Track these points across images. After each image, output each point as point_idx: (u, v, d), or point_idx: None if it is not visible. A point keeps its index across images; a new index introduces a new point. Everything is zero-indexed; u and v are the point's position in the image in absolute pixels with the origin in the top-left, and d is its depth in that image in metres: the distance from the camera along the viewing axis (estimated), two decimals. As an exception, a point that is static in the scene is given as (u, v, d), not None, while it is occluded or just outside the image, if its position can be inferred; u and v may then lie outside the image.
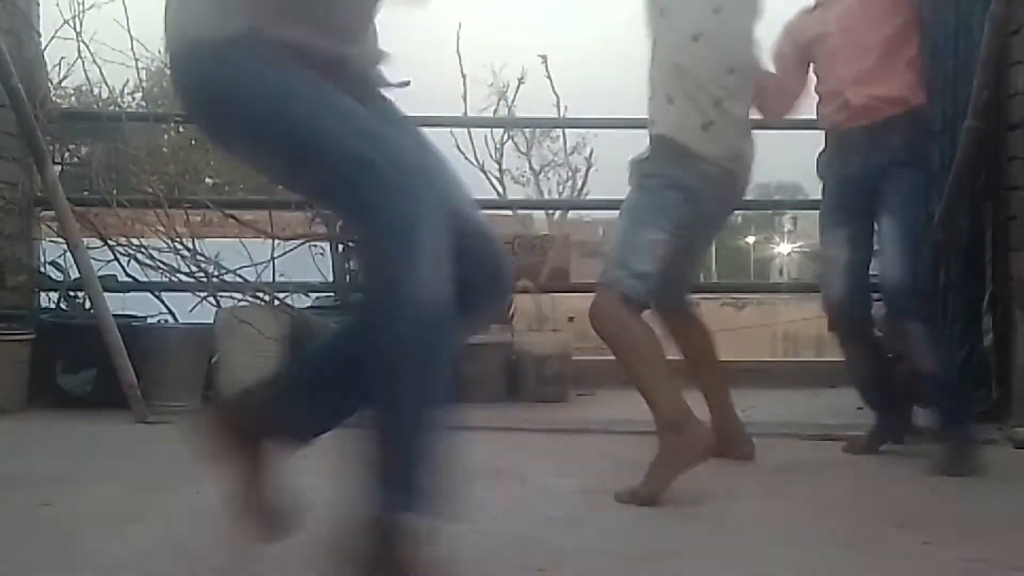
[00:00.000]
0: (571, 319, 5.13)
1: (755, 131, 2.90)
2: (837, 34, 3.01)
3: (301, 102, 1.51)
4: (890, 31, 2.96)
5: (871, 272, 3.08)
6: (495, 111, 6.85)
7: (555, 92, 4.90)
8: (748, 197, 3.38)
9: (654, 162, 2.72)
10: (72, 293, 4.08)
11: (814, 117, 3.24)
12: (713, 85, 2.70)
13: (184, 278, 4.10)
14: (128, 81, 5.22)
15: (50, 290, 4.21)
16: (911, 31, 3.00)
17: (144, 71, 5.23)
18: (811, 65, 3.12)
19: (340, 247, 4.33)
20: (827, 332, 3.18)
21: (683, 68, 2.70)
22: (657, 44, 2.77)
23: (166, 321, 4.12)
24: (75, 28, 4.21)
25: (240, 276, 4.06)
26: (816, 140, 3.31)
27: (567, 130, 5.64)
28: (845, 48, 2.98)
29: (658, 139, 2.73)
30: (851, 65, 2.97)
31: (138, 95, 7.55)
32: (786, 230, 28.90)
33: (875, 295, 3.08)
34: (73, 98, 5.59)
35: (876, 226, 2.97)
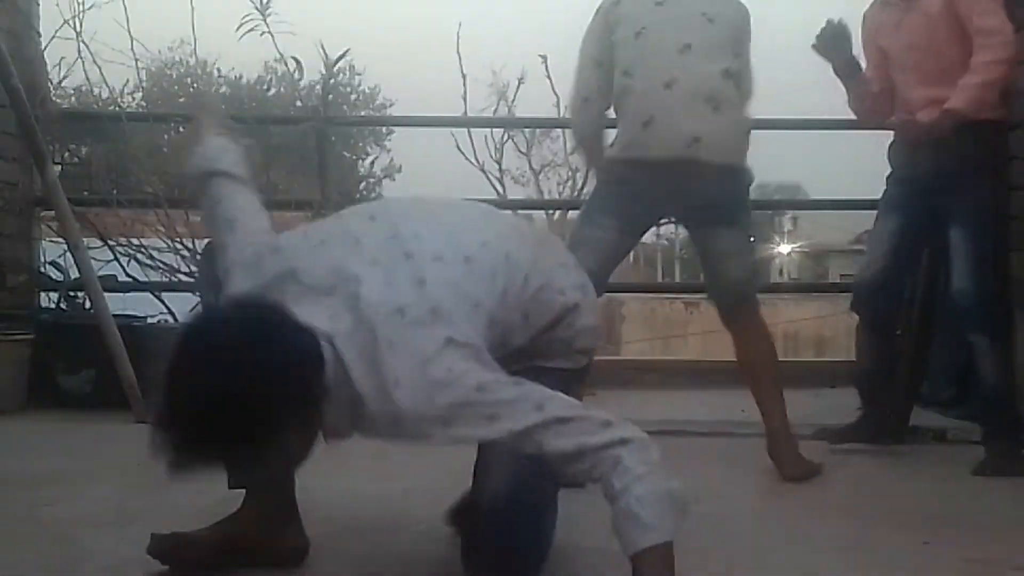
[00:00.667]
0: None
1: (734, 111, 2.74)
2: (905, 52, 2.99)
3: None
4: (953, 58, 2.90)
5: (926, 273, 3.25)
6: (495, 111, 6.85)
7: (555, 92, 4.91)
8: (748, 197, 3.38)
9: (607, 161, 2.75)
10: (72, 293, 4.08)
11: (809, 118, 3.24)
12: (661, 70, 2.62)
13: (184, 278, 4.10)
14: (128, 81, 5.23)
15: (50, 290, 4.21)
16: (962, 51, 2.90)
17: (144, 71, 5.24)
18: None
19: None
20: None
21: (629, 72, 2.66)
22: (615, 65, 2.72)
23: (166, 321, 4.12)
24: (75, 28, 4.22)
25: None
26: (817, 140, 3.32)
27: (567, 130, 5.64)
28: (920, 65, 2.96)
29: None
30: (928, 89, 2.95)
31: (138, 95, 7.58)
32: (786, 230, 28.88)
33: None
34: (73, 98, 5.60)
35: (947, 234, 2.97)
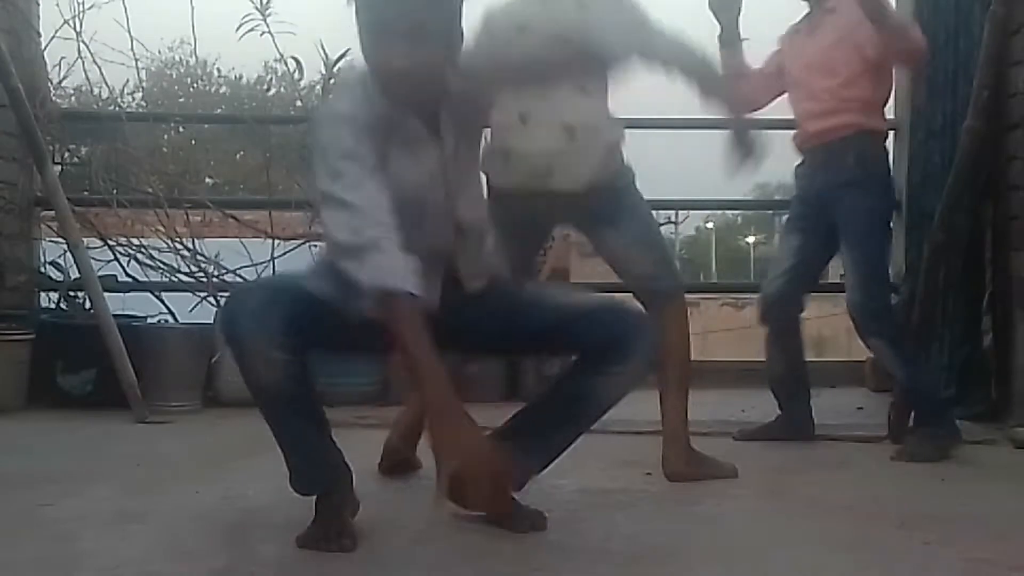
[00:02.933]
0: (571, 319, 5.13)
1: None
2: (801, 71, 3.22)
3: None
4: (844, 78, 3.11)
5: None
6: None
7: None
8: (748, 197, 3.40)
9: None
10: (72, 293, 4.08)
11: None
12: (516, 102, 2.57)
13: (184, 278, 4.11)
14: (128, 81, 5.22)
15: (50, 290, 4.21)
16: (866, 75, 3.11)
17: (144, 71, 5.24)
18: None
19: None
20: (758, 323, 3.40)
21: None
22: None
23: (166, 321, 4.12)
24: (75, 28, 4.22)
25: (240, 276, 4.07)
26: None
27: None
28: (808, 83, 3.19)
29: None
30: (809, 103, 3.19)
31: (138, 95, 7.57)
32: (786, 230, 28.88)
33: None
34: (73, 98, 5.59)
35: (840, 246, 3.18)
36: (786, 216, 3.49)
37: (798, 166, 3.36)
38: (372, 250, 1.77)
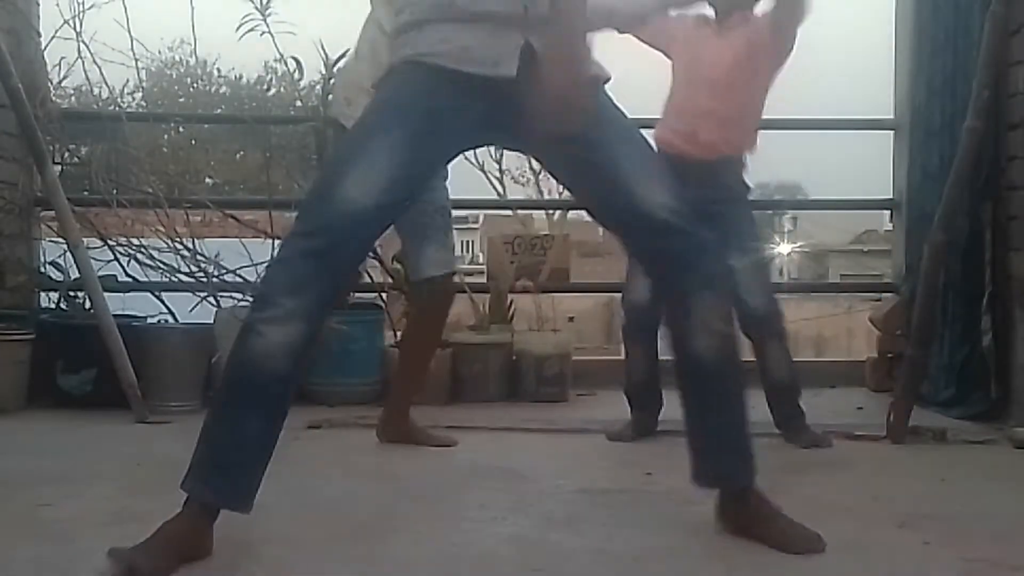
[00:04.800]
0: (571, 319, 5.13)
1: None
2: (709, 67, 3.13)
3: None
4: (744, 98, 3.14)
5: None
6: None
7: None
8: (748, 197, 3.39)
9: None
10: (72, 293, 4.08)
11: (809, 117, 3.30)
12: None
13: (184, 278, 4.10)
14: (128, 81, 5.21)
15: (50, 290, 4.21)
16: (768, 81, 3.17)
17: (144, 71, 5.23)
18: (667, 59, 3.26)
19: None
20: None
21: None
22: None
23: (166, 321, 4.12)
24: (75, 28, 4.21)
25: (240, 276, 4.07)
26: (817, 140, 3.35)
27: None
28: (712, 84, 3.12)
29: None
30: (712, 103, 3.11)
31: (138, 95, 7.54)
32: (786, 230, 28.88)
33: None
34: (73, 98, 5.59)
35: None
36: None
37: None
38: None
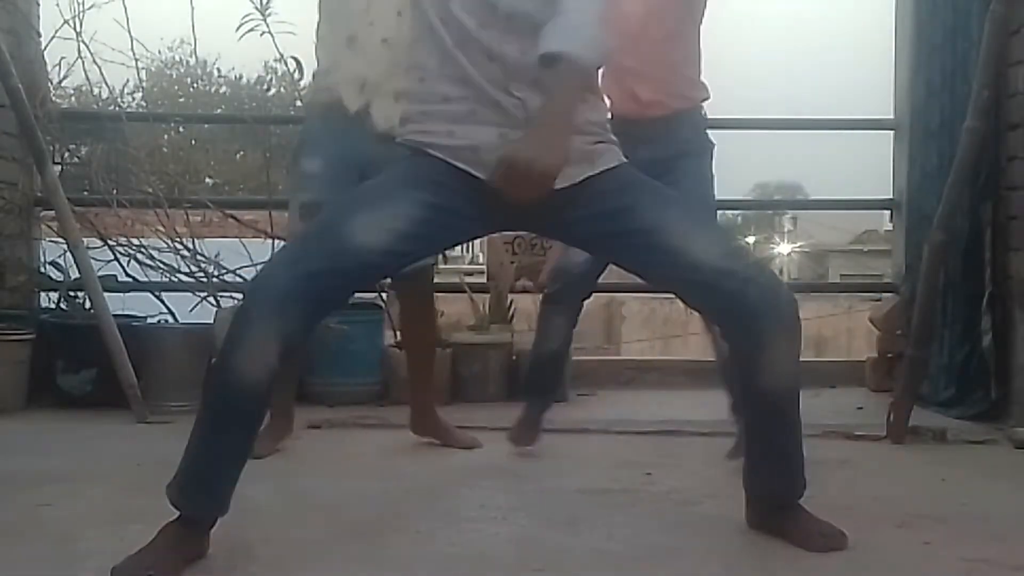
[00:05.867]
0: (571, 319, 5.12)
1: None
2: (626, 18, 2.84)
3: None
4: (671, 26, 2.91)
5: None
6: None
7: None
8: (748, 197, 3.38)
9: None
10: (72, 293, 4.08)
11: (809, 117, 3.20)
12: None
13: (184, 278, 4.10)
14: (128, 81, 5.24)
15: (50, 290, 4.21)
16: (690, 26, 2.97)
17: (144, 71, 5.23)
18: None
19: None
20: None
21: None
22: None
23: (166, 321, 4.12)
24: (75, 28, 4.21)
25: (240, 276, 4.06)
26: (817, 140, 3.32)
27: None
28: (635, 35, 2.86)
29: None
30: (633, 57, 2.86)
31: (138, 95, 7.54)
32: (786, 230, 28.90)
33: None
34: (73, 98, 5.59)
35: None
36: None
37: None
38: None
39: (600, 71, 2.96)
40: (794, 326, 1.96)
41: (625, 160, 2.02)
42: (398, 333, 4.35)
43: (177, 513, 1.86)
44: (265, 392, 1.82)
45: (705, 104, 3.06)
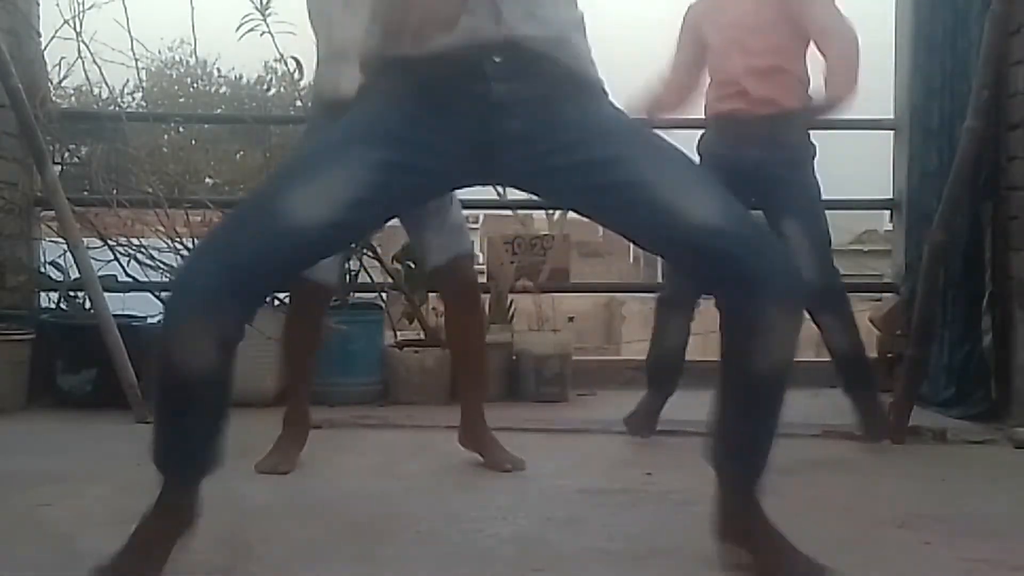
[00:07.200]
0: (571, 319, 5.13)
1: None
2: (733, 27, 3.04)
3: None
4: (778, 41, 3.00)
5: None
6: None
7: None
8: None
9: None
10: (72, 293, 4.08)
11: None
12: None
13: (184, 278, 4.09)
14: (128, 81, 5.23)
15: (50, 290, 4.21)
16: (800, 47, 3.03)
17: (144, 71, 5.22)
18: (705, 53, 3.16)
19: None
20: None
21: None
22: None
23: (166, 321, 4.12)
24: (75, 28, 4.20)
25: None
26: (817, 140, 3.31)
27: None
28: (741, 40, 3.01)
29: None
30: (748, 58, 3.00)
31: (138, 95, 7.55)
32: (786, 230, 28.85)
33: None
34: (73, 98, 5.59)
35: (776, 224, 3.00)
36: None
37: (705, 135, 3.15)
38: None
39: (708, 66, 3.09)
40: (796, 305, 1.64)
41: (621, 109, 1.76)
42: (398, 333, 4.35)
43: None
44: (216, 379, 1.60)
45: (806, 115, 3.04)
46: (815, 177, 3.10)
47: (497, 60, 1.61)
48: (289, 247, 1.57)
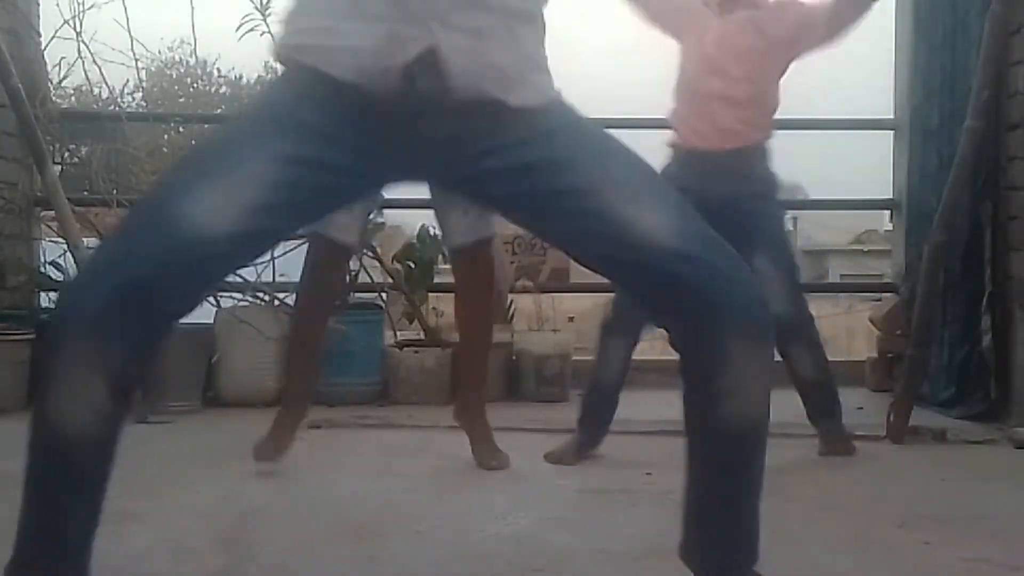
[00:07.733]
0: (571, 319, 5.13)
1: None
2: (714, 46, 2.94)
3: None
4: (758, 67, 2.94)
5: None
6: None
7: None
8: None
9: None
10: (72, 293, 4.08)
11: (809, 117, 3.20)
12: None
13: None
14: (128, 81, 5.22)
15: (50, 290, 4.21)
16: (777, 74, 3.00)
17: (144, 71, 5.23)
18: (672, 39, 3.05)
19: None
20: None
21: None
22: None
23: (166, 321, 4.12)
24: (75, 28, 4.21)
25: (240, 276, 4.06)
26: (817, 140, 3.32)
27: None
28: (721, 65, 2.92)
29: None
30: (725, 84, 2.91)
31: (138, 95, 7.55)
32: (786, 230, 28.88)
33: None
34: (73, 98, 5.59)
35: (747, 258, 2.93)
36: None
37: (676, 171, 2.94)
38: None
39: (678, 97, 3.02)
40: (766, 341, 1.37)
41: (571, 106, 1.46)
42: (398, 333, 4.36)
43: None
44: (101, 442, 1.39)
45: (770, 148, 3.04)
46: (781, 208, 3.11)
47: None
48: (190, 263, 1.29)
